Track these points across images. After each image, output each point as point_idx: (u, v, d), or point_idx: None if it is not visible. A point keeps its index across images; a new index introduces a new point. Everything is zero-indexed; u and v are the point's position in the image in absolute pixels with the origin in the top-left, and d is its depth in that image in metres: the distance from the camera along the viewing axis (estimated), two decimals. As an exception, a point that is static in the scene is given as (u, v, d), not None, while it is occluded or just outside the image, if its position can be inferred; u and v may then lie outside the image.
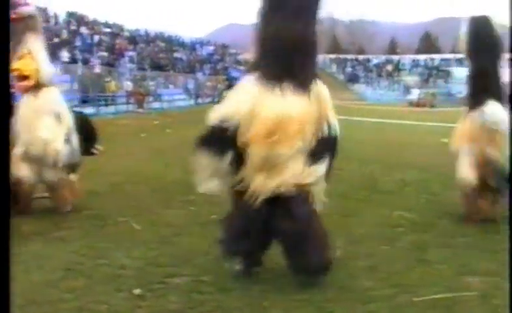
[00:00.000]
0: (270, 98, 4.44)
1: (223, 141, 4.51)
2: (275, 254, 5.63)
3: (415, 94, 55.13)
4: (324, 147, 4.59)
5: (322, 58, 74.81)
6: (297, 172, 4.52)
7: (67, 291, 4.52)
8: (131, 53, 45.41)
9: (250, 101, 4.48)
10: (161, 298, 4.46)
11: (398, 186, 9.77)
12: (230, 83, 14.71)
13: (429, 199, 8.58)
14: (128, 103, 36.13)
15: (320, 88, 4.66)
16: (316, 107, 4.55)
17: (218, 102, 14.60)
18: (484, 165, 6.79)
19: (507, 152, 6.62)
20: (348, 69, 72.13)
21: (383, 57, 72.43)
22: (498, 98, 6.84)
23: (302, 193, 4.58)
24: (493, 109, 6.76)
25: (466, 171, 6.86)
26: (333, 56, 75.10)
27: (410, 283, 4.89)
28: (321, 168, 4.58)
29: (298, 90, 4.48)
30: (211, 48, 65.11)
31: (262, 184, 4.53)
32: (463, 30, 7.05)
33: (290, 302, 4.42)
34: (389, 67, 69.45)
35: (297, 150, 4.48)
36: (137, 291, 4.55)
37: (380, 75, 68.44)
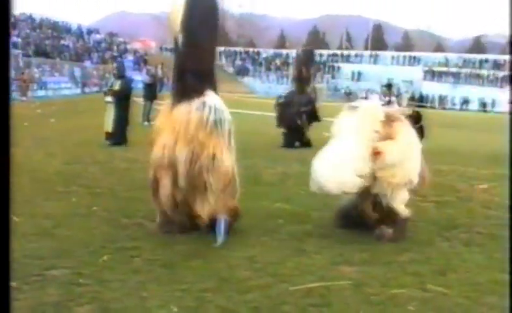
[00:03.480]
0: None
1: None
2: (155, 247, 5.66)
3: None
4: None
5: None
6: None
7: None
8: (14, 39, 43.34)
9: None
10: (38, 291, 4.39)
11: (280, 179, 10.04)
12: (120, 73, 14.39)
13: (309, 191, 8.78)
14: (9, 90, 34.61)
15: None
16: None
17: (106, 91, 14.39)
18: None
19: None
20: (238, 62, 72.55)
21: (272, 51, 73.38)
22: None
23: None
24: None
25: None
26: (222, 48, 75.26)
27: (286, 273, 5.07)
28: None
29: None
30: (99, 36, 63.36)
31: None
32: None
33: (168, 293, 4.48)
34: (278, 61, 70.54)
35: None
36: (13, 284, 4.42)
37: (269, 69, 69.42)
